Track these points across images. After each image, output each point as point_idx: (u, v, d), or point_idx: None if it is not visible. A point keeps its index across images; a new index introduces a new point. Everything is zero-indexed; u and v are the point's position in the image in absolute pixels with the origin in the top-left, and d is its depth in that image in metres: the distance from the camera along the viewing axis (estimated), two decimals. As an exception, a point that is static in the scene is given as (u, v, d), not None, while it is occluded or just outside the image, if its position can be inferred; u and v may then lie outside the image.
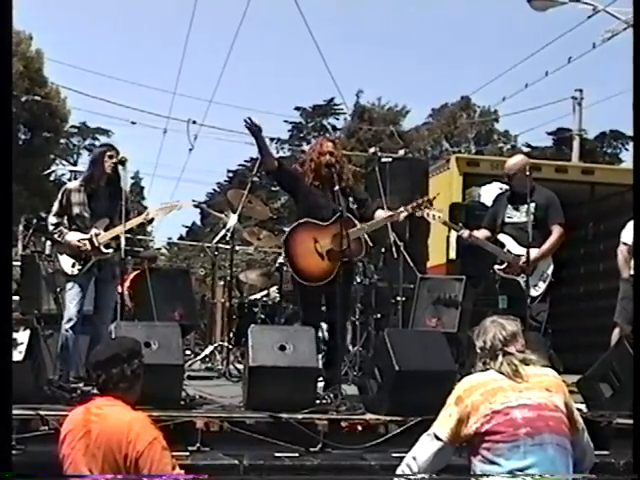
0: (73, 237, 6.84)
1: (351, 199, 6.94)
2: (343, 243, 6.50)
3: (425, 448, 3.91)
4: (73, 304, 6.77)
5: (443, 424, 3.89)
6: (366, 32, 66.84)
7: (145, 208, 7.37)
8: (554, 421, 3.83)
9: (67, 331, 6.72)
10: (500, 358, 3.96)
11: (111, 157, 6.90)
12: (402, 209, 7.00)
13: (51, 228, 6.97)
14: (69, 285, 6.88)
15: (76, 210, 6.89)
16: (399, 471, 3.98)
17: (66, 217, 6.93)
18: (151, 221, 6.93)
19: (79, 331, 6.74)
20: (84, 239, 6.80)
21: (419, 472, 3.88)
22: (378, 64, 62.51)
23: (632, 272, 7.98)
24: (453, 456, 4.01)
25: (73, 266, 6.84)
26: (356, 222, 6.81)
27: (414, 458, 3.92)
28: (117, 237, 6.81)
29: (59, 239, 6.92)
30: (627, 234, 8.11)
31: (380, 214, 7.01)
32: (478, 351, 4.06)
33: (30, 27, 28.07)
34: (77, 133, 40.13)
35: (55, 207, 6.97)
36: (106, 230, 6.85)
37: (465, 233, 7.58)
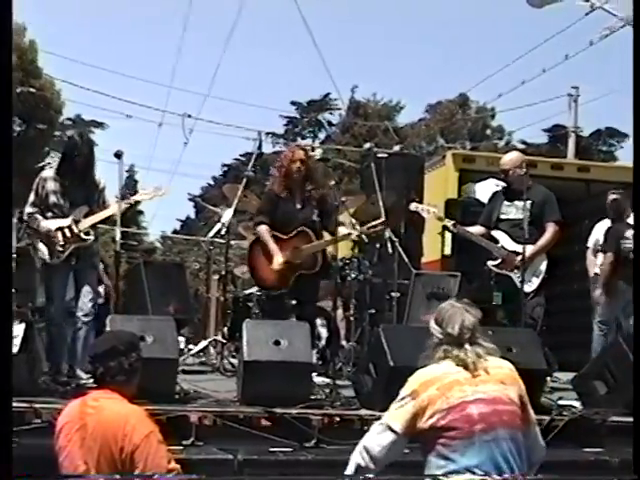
0: (50, 224, 6.63)
1: (316, 211, 7.24)
2: (299, 257, 7.10)
3: (378, 439, 3.81)
4: (55, 296, 6.66)
5: (397, 416, 3.80)
6: (362, 27, 66.87)
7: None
8: (508, 415, 3.78)
9: (52, 325, 6.65)
10: (467, 346, 3.85)
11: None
12: (356, 230, 7.22)
13: (26, 217, 6.76)
14: (50, 276, 6.74)
15: (52, 198, 6.67)
16: (353, 462, 3.83)
17: (43, 206, 6.69)
18: (132, 207, 6.76)
19: (64, 323, 6.66)
20: (63, 226, 6.60)
21: (372, 463, 3.77)
22: (374, 60, 62.51)
23: (596, 270, 8.64)
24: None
25: (51, 255, 6.64)
26: (312, 237, 7.18)
27: (366, 449, 3.81)
28: (96, 226, 6.70)
29: (33, 226, 6.69)
30: (590, 238, 8.90)
31: (341, 230, 7.27)
32: (440, 337, 3.92)
33: (24, 18, 27.95)
34: (72, 125, 39.93)
35: (31, 197, 6.73)
36: (85, 218, 6.66)
37: (450, 223, 7.64)
